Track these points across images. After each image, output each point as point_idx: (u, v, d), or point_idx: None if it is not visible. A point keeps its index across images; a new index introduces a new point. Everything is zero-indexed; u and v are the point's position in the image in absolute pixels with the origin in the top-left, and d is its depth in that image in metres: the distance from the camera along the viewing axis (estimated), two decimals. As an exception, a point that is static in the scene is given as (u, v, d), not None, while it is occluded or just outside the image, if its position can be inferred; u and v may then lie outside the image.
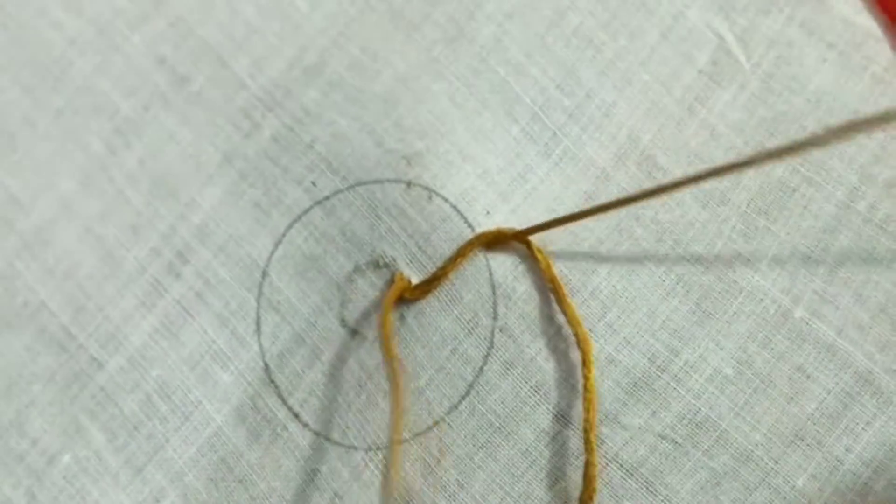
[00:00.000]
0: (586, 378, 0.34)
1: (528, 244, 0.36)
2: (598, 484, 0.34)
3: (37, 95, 0.42)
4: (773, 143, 0.37)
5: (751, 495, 0.34)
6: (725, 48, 0.39)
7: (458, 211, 0.37)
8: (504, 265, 0.37)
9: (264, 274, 0.38)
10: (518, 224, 0.37)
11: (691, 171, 0.37)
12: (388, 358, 0.35)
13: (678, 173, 0.37)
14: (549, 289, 0.36)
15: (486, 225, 0.37)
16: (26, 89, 0.42)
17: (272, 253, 0.39)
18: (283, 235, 0.39)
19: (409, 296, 0.37)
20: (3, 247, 0.40)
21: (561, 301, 0.35)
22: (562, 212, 0.37)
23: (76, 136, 0.41)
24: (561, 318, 0.36)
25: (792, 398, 0.35)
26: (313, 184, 0.39)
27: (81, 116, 0.41)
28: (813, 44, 0.38)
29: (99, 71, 0.42)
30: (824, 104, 0.38)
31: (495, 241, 0.37)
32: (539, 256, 0.36)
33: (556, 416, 0.36)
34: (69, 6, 0.43)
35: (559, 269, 0.36)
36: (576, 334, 0.35)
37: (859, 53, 0.38)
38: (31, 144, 0.41)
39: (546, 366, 0.36)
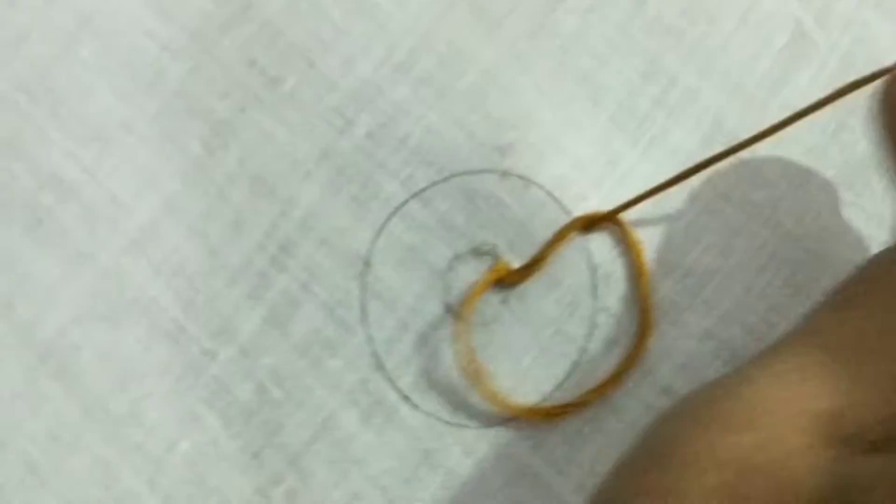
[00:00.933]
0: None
1: (620, 224, 0.38)
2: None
3: (133, 101, 0.44)
4: (853, 121, 0.39)
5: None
6: (802, 30, 0.40)
7: (553, 198, 0.39)
8: (602, 247, 0.39)
9: (366, 264, 0.40)
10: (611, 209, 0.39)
11: (776, 152, 0.39)
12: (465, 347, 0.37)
13: (763, 153, 0.39)
14: (638, 266, 0.38)
15: (582, 210, 0.39)
16: (121, 95, 0.44)
17: (373, 244, 0.40)
18: (383, 227, 0.40)
19: (508, 279, 0.39)
20: (110, 245, 0.42)
21: (639, 273, 0.37)
22: (653, 197, 0.39)
23: (174, 138, 0.43)
24: (658, 296, 0.38)
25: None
26: (409, 177, 0.41)
27: (178, 120, 0.43)
28: (887, 24, 0.40)
29: (192, 75, 0.44)
30: (901, 83, 0.39)
31: (591, 223, 0.38)
32: (628, 232, 0.38)
33: (659, 389, 0.37)
34: (160, 14, 0.44)
35: (655, 248, 0.38)
36: (642, 308, 0.37)
37: (932, 32, 0.40)
38: (129, 148, 0.43)
39: (646, 342, 0.38)
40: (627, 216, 0.38)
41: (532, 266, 0.38)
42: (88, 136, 0.43)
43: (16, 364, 0.41)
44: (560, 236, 0.38)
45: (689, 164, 0.39)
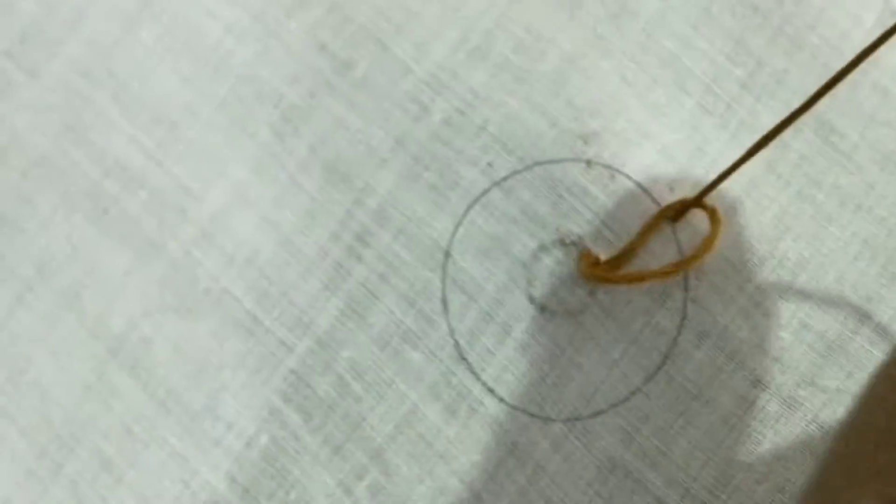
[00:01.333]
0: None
1: (706, 208, 0.37)
2: (798, 445, 0.35)
3: (197, 85, 0.43)
4: (946, 106, 0.38)
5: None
6: (892, 8, 0.39)
7: (642, 188, 0.38)
8: (692, 237, 0.38)
9: (447, 254, 0.39)
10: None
11: (868, 134, 0.38)
12: None
13: (855, 138, 0.38)
14: (742, 261, 0.37)
15: (671, 200, 0.38)
16: (185, 79, 0.43)
17: (453, 234, 0.40)
18: (463, 216, 0.40)
19: (597, 273, 0.38)
20: (179, 235, 0.41)
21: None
22: (743, 182, 0.38)
23: (242, 124, 0.42)
24: (751, 286, 0.37)
25: None
26: (489, 165, 0.40)
27: (245, 105, 0.42)
28: (978, 5, 0.39)
29: (259, 59, 0.42)
30: None
31: (680, 212, 0.38)
32: (717, 215, 0.37)
33: (752, 381, 0.37)
34: (223, -5, 0.43)
35: (746, 237, 0.37)
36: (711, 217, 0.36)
37: None
38: (196, 133, 0.42)
39: (739, 334, 0.37)
40: (722, 203, 0.37)
41: (622, 258, 0.37)
42: (152, 121, 0.43)
43: (86, 358, 0.41)
44: (649, 228, 0.37)
45: (781, 148, 0.38)
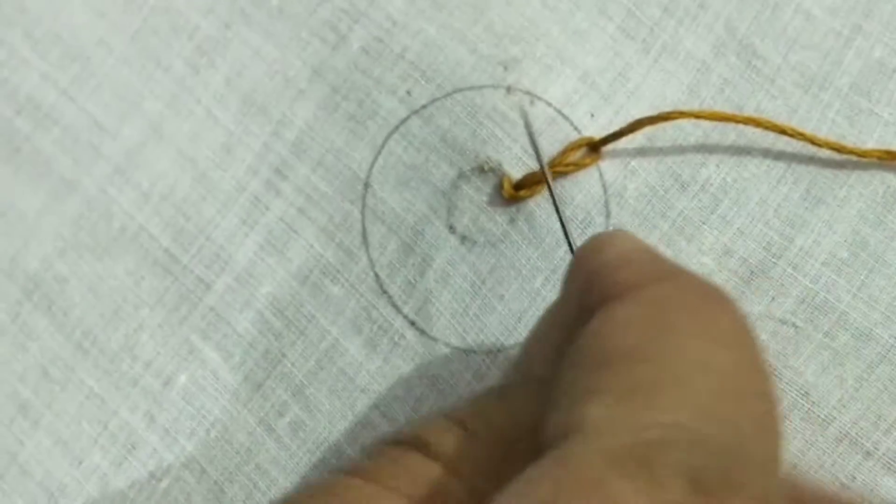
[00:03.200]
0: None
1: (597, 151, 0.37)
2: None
3: (110, 18, 0.41)
4: (869, 25, 0.38)
5: (873, 372, 0.35)
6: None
7: (561, 114, 0.38)
8: (613, 165, 0.37)
9: (366, 185, 0.39)
10: (623, 124, 0.37)
11: (791, 57, 0.38)
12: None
13: (777, 61, 0.38)
14: (665, 187, 0.36)
15: (591, 127, 0.38)
16: (98, 12, 0.42)
17: (372, 164, 0.39)
18: (382, 146, 0.39)
19: (516, 193, 0.37)
20: (94, 173, 0.40)
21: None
22: (665, 108, 0.38)
23: (156, 57, 0.41)
24: (673, 213, 0.36)
25: (907, 276, 0.35)
26: (408, 93, 0.39)
27: (159, 37, 0.41)
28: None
29: (172, -10, 0.41)
30: (918, -16, 0.38)
31: (594, 147, 0.37)
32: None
33: (675, 308, 0.36)
34: (135, -75, 0.42)
35: (668, 164, 0.37)
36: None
37: (949, -69, 0.38)
38: (109, 68, 0.41)
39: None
40: (643, 129, 0.37)
41: (540, 178, 0.36)
42: (65, 56, 0.41)
43: (0, 299, 0.40)
44: (565, 155, 0.36)
45: (703, 72, 0.37)
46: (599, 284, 0.27)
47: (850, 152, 0.35)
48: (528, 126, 0.35)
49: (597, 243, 0.29)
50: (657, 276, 0.26)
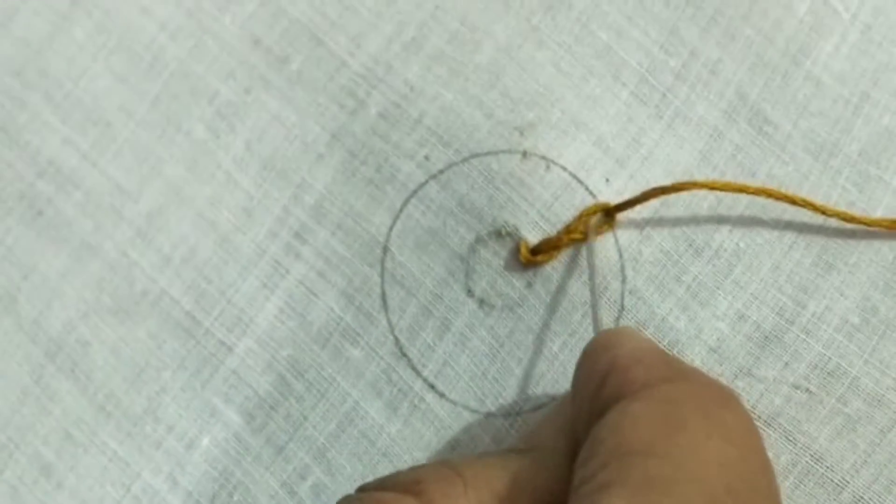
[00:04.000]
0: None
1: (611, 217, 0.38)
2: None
3: (131, 83, 0.42)
4: (877, 94, 0.38)
5: (885, 437, 0.36)
6: (823, -1, 0.39)
7: (577, 179, 0.39)
8: (629, 230, 0.38)
9: (385, 249, 0.39)
10: (637, 188, 0.38)
11: (802, 124, 0.38)
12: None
13: (788, 127, 0.38)
14: (679, 252, 0.37)
15: (606, 192, 0.38)
16: (119, 77, 0.42)
17: (391, 228, 0.39)
18: (401, 210, 0.39)
19: (534, 258, 0.38)
20: (115, 236, 0.41)
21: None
22: (678, 173, 0.38)
23: (177, 121, 0.41)
24: (688, 277, 0.37)
25: (918, 341, 0.36)
26: (426, 158, 0.40)
27: (180, 102, 0.42)
28: (908, -7, 0.39)
29: (193, 55, 0.42)
30: (925, 52, 0.39)
31: (609, 212, 0.38)
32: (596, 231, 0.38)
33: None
34: (155, -9, 0.42)
35: (682, 229, 0.38)
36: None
37: (954, 0, 0.39)
38: (130, 132, 0.42)
39: (677, 325, 0.37)
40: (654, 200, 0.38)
41: (558, 242, 0.37)
42: (86, 120, 0.42)
43: (23, 361, 0.40)
44: (580, 221, 0.37)
45: (715, 138, 0.38)
46: (613, 381, 0.28)
47: (859, 222, 0.36)
48: (590, 258, 0.37)
49: (605, 341, 0.31)
50: (668, 375, 0.28)
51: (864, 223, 0.36)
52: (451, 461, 0.30)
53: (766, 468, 0.27)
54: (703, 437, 0.26)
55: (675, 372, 0.29)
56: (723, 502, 0.24)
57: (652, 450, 0.26)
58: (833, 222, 0.37)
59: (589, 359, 0.31)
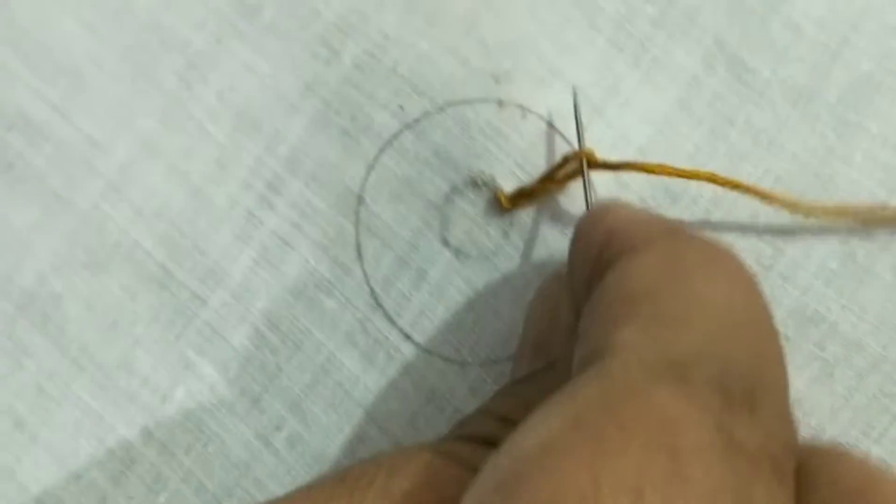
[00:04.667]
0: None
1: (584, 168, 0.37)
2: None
3: (101, 34, 0.41)
4: (856, 38, 0.38)
5: (863, 381, 0.36)
6: (801, -53, 0.39)
7: (553, 127, 0.38)
8: (605, 177, 0.38)
9: (360, 200, 0.39)
10: (615, 136, 0.38)
11: (780, 70, 0.38)
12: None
13: (767, 74, 0.38)
14: (656, 199, 0.37)
15: (585, 139, 0.38)
16: (89, 27, 0.41)
17: (365, 179, 0.39)
18: (375, 160, 0.39)
19: (514, 204, 0.37)
20: (87, 189, 0.40)
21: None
22: (656, 121, 0.38)
23: (148, 73, 0.41)
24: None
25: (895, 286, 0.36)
26: (401, 108, 0.39)
27: (151, 53, 0.41)
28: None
29: (163, 4, 0.41)
30: (903, -3, 0.38)
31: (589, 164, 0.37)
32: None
33: (668, 319, 0.37)
34: (125, -61, 0.42)
35: (659, 176, 0.37)
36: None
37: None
38: (101, 84, 0.41)
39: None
40: (635, 142, 0.37)
41: (533, 191, 0.37)
42: (56, 72, 0.41)
43: (-6, 315, 0.40)
44: (553, 172, 0.37)
45: (693, 85, 0.38)
46: (614, 243, 0.28)
47: (802, 210, 0.36)
48: (576, 107, 0.36)
49: (601, 211, 0.30)
50: (669, 231, 0.28)
51: (805, 212, 0.36)
52: (491, 408, 0.32)
53: (769, 312, 0.27)
54: (708, 280, 0.26)
55: (675, 229, 0.29)
56: (734, 336, 0.25)
57: (659, 290, 0.26)
58: (812, 167, 0.37)
59: (585, 230, 0.31)
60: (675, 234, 0.29)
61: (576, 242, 0.31)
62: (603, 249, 0.29)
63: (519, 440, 0.24)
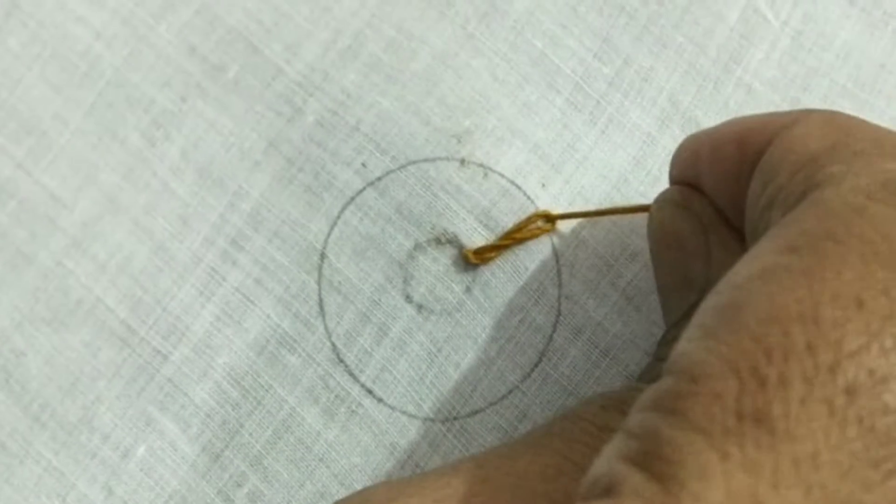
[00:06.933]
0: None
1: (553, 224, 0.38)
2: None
3: (66, 92, 0.42)
4: (808, 99, 0.39)
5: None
6: (754, 6, 0.40)
7: (515, 185, 0.39)
8: (565, 235, 0.38)
9: (322, 256, 0.39)
10: (573, 193, 0.38)
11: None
12: None
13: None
14: (614, 257, 0.38)
15: (543, 197, 0.39)
16: (54, 86, 0.42)
17: (328, 235, 0.39)
18: (338, 217, 0.39)
19: (475, 259, 0.38)
20: (50, 246, 0.40)
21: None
22: (612, 178, 0.39)
23: (112, 130, 0.41)
24: (623, 282, 0.38)
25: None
26: (363, 165, 0.40)
27: (115, 110, 0.42)
28: (836, 1, 0.40)
29: (128, 63, 0.42)
30: (852, 59, 0.39)
31: (550, 218, 0.38)
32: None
33: (626, 376, 0.37)
34: (91, -1, 0.42)
35: (617, 233, 0.38)
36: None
37: (880, 10, 0.40)
38: (65, 142, 0.41)
39: (613, 329, 0.38)
40: (593, 199, 0.38)
41: (499, 247, 0.37)
42: (21, 130, 0.42)
43: (-45, 372, 0.40)
44: (520, 228, 0.38)
45: (649, 143, 0.38)
46: (757, 132, 0.30)
47: None
48: None
49: (711, 130, 0.33)
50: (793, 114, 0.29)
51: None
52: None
53: None
54: (868, 123, 0.27)
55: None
56: None
57: (839, 139, 0.26)
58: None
59: (713, 143, 0.32)
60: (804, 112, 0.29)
61: (710, 155, 0.32)
62: (741, 146, 0.30)
63: (736, 271, 0.24)
